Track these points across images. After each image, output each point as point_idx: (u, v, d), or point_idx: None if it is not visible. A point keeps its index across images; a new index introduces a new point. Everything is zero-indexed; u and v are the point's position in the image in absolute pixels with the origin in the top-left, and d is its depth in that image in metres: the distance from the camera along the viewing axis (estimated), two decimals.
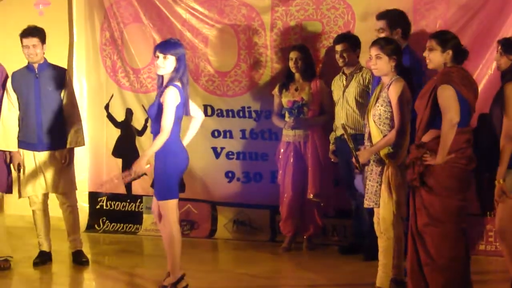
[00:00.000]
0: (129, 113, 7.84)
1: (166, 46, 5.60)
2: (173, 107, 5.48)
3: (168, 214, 5.60)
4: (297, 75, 6.92)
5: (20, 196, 6.63)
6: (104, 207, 7.96)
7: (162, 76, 5.58)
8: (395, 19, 6.00)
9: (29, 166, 6.55)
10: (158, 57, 5.54)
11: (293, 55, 6.88)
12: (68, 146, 6.55)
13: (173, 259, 5.62)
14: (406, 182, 5.35)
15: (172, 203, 5.60)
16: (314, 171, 6.85)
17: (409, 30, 6.21)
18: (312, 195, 6.83)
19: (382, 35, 5.92)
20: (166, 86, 5.52)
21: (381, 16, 6.08)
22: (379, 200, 5.41)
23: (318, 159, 6.86)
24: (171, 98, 5.47)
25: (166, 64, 5.52)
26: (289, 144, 6.95)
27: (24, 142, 6.54)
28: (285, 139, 6.99)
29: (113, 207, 7.94)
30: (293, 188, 6.92)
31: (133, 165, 5.56)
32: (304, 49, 6.89)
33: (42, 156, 6.53)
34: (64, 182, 6.60)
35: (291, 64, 6.90)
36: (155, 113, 5.53)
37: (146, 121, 7.76)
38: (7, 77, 6.58)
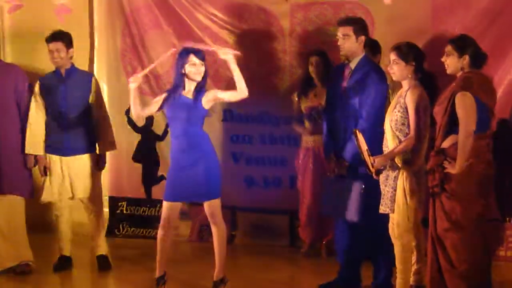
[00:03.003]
0: (149, 118, 7.86)
1: (201, 53, 5.81)
2: None
3: (220, 213, 5.87)
4: (316, 80, 6.93)
5: (43, 200, 6.68)
6: (124, 212, 8.00)
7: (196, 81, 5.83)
8: (360, 26, 5.90)
9: (55, 171, 6.61)
10: (195, 63, 5.74)
11: (313, 59, 6.88)
12: (100, 151, 6.60)
13: (225, 257, 5.93)
14: (422, 188, 5.35)
15: (220, 201, 5.88)
16: None
17: (368, 38, 6.03)
18: None
19: (348, 41, 5.82)
20: (203, 90, 5.81)
21: (346, 22, 5.90)
22: (394, 205, 5.41)
23: None
24: None
25: (202, 70, 5.80)
26: (308, 150, 6.96)
27: (51, 147, 6.60)
28: (304, 145, 7.00)
29: (133, 211, 7.98)
30: (312, 193, 6.92)
31: None
32: (323, 54, 6.88)
33: (69, 160, 6.58)
34: (91, 187, 6.66)
35: (311, 68, 6.90)
36: (192, 113, 5.75)
37: (167, 126, 7.77)
38: (30, 84, 6.63)
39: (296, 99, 7.01)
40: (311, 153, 6.95)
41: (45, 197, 6.65)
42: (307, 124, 6.92)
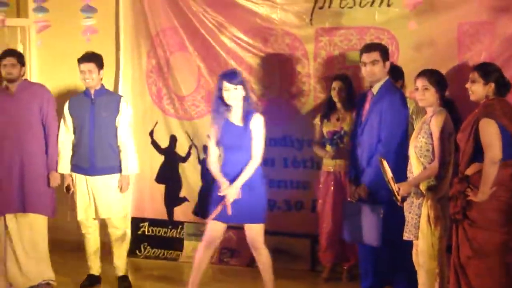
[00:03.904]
0: (173, 139, 7.90)
1: (235, 77, 5.86)
2: (263, 134, 5.85)
3: (261, 238, 5.88)
4: (339, 105, 6.89)
5: (75, 218, 6.71)
6: (146, 233, 8.01)
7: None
8: (386, 51, 5.96)
9: (81, 190, 6.64)
10: (228, 89, 5.79)
11: (335, 84, 6.86)
12: (122, 172, 6.62)
13: (272, 281, 5.92)
14: (446, 215, 5.31)
15: (263, 227, 5.92)
16: None
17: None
18: None
19: (377, 66, 5.87)
20: (250, 114, 5.80)
21: (374, 47, 5.98)
22: (418, 232, 5.37)
23: None
24: (262, 125, 5.83)
25: (237, 95, 5.81)
26: (330, 174, 6.92)
27: (77, 166, 6.64)
28: (325, 169, 6.96)
29: (154, 232, 7.99)
30: (333, 218, 6.86)
31: (226, 194, 5.77)
32: (346, 79, 6.87)
33: (94, 180, 6.61)
34: (114, 208, 6.67)
35: (333, 93, 6.88)
36: (244, 140, 5.79)
37: (190, 147, 7.81)
38: (55, 104, 6.69)
39: (319, 123, 6.99)
40: (332, 177, 6.91)
41: (77, 215, 6.68)
42: (329, 148, 6.89)
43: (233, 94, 5.80)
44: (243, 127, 5.83)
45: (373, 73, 5.87)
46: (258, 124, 5.83)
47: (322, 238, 7.01)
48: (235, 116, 5.87)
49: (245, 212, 5.82)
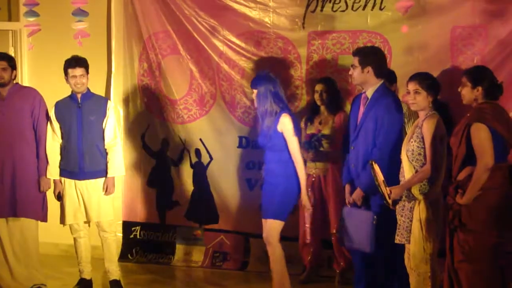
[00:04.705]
0: (165, 143, 7.87)
1: (252, 80, 6.16)
2: (293, 131, 5.95)
3: (274, 234, 5.97)
4: (322, 108, 6.89)
5: (62, 223, 6.66)
6: (138, 237, 7.97)
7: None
8: (366, 56, 5.90)
9: (70, 195, 6.60)
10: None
11: (318, 87, 6.85)
12: (108, 175, 6.59)
13: (279, 279, 6.03)
14: (438, 219, 5.31)
15: (281, 224, 5.98)
16: (335, 205, 6.75)
17: (384, 68, 6.00)
18: (335, 230, 6.67)
19: (356, 71, 5.87)
20: (278, 115, 5.94)
21: (354, 52, 6.00)
22: (410, 236, 5.36)
23: (339, 193, 6.60)
24: (290, 124, 5.93)
25: (254, 97, 6.06)
26: (309, 176, 6.83)
27: (65, 171, 6.60)
28: (307, 171, 6.93)
29: (146, 237, 7.95)
30: (312, 220, 6.89)
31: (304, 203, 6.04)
32: (329, 81, 6.87)
33: (83, 184, 6.57)
34: (104, 211, 6.64)
35: (316, 96, 6.87)
36: (269, 140, 5.98)
37: (182, 151, 7.78)
38: (46, 108, 6.67)
39: (303, 126, 6.96)
40: (311, 180, 6.86)
41: (65, 220, 6.63)
42: (310, 151, 6.88)
43: (253, 97, 6.05)
44: (268, 127, 5.96)
45: (352, 77, 6.00)
46: (285, 125, 5.94)
47: (301, 238, 7.02)
48: (267, 118, 6.02)
49: (266, 207, 6.03)
